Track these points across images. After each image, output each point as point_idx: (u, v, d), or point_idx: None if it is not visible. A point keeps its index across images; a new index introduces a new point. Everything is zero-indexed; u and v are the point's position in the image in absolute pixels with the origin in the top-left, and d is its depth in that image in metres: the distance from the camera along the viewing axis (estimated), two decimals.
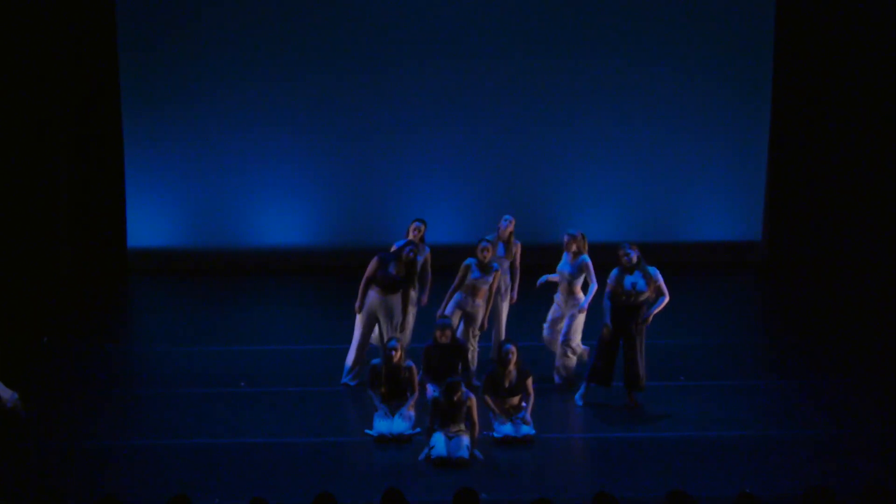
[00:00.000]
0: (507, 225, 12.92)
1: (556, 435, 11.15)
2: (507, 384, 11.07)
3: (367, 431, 11.11)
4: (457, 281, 12.29)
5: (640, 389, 11.85)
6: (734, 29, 17.10)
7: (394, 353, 11.23)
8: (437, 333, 11.55)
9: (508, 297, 13.06)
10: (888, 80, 16.62)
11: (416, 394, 11.32)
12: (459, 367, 11.54)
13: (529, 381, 11.15)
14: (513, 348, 11.05)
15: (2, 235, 15.17)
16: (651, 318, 11.80)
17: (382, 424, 11.07)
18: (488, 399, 11.10)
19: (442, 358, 11.59)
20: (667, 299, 11.76)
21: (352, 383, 12.46)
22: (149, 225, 16.94)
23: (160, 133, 16.88)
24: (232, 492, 9.88)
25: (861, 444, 11.02)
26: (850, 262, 16.56)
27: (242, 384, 12.56)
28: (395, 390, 11.27)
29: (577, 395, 12.02)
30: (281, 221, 17.10)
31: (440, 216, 16.56)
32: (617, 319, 11.78)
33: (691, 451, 10.84)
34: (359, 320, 12.46)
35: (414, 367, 11.39)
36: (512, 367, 11.04)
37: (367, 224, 16.97)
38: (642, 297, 11.71)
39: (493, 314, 12.79)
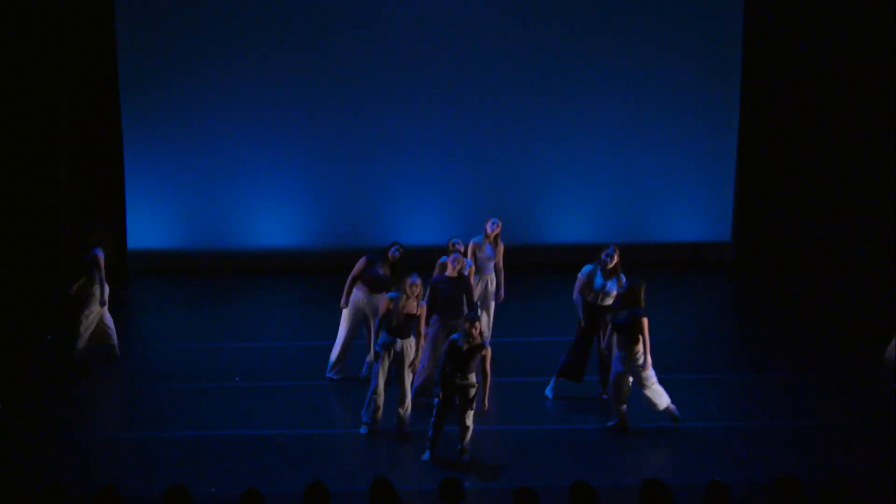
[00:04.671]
0: (495, 227, 13.20)
1: (536, 426, 11.38)
2: None
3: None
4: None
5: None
6: (703, 31, 17.17)
7: (414, 288, 11.04)
8: (449, 262, 11.66)
9: (497, 296, 13.28)
10: (856, 83, 16.57)
11: (423, 338, 11.30)
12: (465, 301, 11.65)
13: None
14: None
15: (4, 237, 15.13)
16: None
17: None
18: None
19: (449, 291, 11.64)
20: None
21: (336, 378, 12.65)
22: (148, 227, 17.00)
23: (159, 137, 16.91)
24: (227, 481, 10.14)
25: (827, 435, 11.34)
26: (816, 261, 16.62)
27: (237, 379, 12.83)
28: (404, 326, 11.14)
29: (548, 389, 12.23)
30: (275, 224, 17.18)
31: (427, 218, 16.95)
32: (587, 316, 11.95)
33: (665, 442, 11.16)
34: (345, 318, 12.53)
35: (426, 306, 11.36)
36: None
37: (358, 227, 17.08)
38: (609, 300, 11.85)
39: (483, 313, 13.12)
